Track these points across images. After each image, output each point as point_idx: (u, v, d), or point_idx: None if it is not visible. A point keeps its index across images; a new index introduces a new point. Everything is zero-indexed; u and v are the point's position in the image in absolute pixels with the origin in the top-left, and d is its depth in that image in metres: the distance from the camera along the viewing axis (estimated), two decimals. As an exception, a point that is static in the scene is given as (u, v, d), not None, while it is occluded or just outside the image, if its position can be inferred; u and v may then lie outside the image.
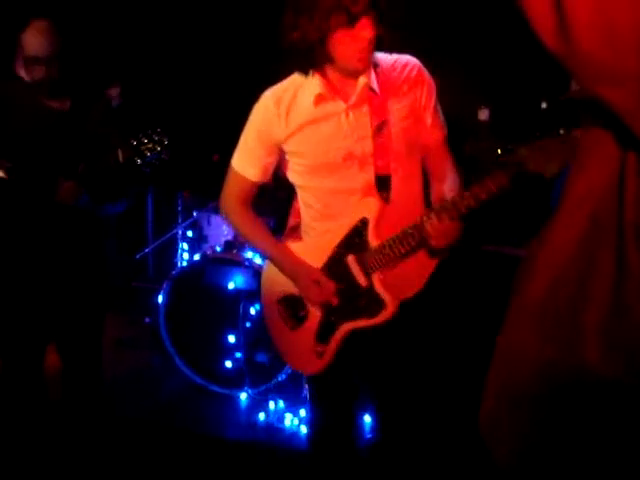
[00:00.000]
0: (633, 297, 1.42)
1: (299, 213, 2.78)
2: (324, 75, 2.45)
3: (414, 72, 2.52)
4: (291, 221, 2.89)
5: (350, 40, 2.29)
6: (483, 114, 4.89)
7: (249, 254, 4.48)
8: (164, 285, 4.61)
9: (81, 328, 3.41)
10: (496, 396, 1.68)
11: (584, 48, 1.30)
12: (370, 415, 4.06)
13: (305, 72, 2.46)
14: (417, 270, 2.66)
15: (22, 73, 4.51)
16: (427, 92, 2.54)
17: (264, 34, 5.59)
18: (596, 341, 1.46)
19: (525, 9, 1.34)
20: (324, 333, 2.66)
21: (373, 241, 2.53)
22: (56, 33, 3.17)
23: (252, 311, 4.39)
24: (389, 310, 2.54)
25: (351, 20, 2.24)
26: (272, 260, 2.75)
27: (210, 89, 6.00)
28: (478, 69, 5.10)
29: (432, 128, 2.59)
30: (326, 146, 2.48)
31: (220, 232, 4.99)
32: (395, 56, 2.53)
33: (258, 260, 4.41)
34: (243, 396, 4.47)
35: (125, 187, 3.38)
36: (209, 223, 5.09)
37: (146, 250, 5.91)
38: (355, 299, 2.60)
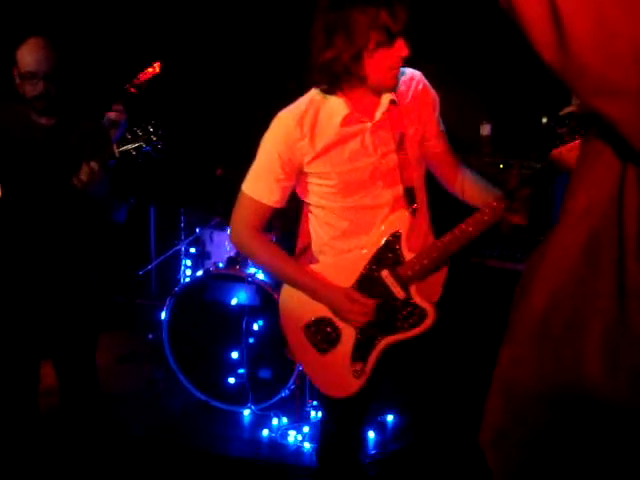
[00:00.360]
0: (635, 313, 1.41)
1: (308, 234, 2.72)
2: (347, 94, 2.45)
3: (420, 85, 2.58)
4: (300, 243, 2.81)
5: (386, 59, 2.32)
6: (485, 129, 4.90)
7: (252, 270, 4.48)
8: (167, 301, 4.60)
9: (75, 343, 3.41)
10: (497, 411, 1.68)
11: (582, 61, 1.30)
12: (374, 431, 4.06)
13: (332, 91, 2.45)
14: (437, 276, 2.70)
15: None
16: (432, 103, 2.62)
17: (267, 50, 5.65)
18: (598, 358, 1.46)
19: (523, 23, 1.34)
20: (361, 351, 2.61)
21: (407, 254, 2.54)
22: (52, 49, 3.18)
23: (255, 327, 4.38)
24: (431, 318, 2.56)
25: (390, 39, 2.28)
26: (299, 285, 2.63)
27: (213, 104, 6.01)
28: (480, 84, 5.11)
29: (439, 137, 2.67)
30: (352, 165, 2.48)
31: (223, 248, 4.99)
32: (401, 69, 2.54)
33: (261, 276, 4.41)
34: (246, 412, 4.46)
35: (127, 185, 3.38)
36: (212, 239, 5.09)
37: (149, 267, 5.90)
38: (393, 313, 2.58)
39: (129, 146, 3.13)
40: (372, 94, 2.46)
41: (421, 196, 2.62)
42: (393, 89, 2.46)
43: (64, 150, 3.22)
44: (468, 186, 2.70)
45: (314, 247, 2.70)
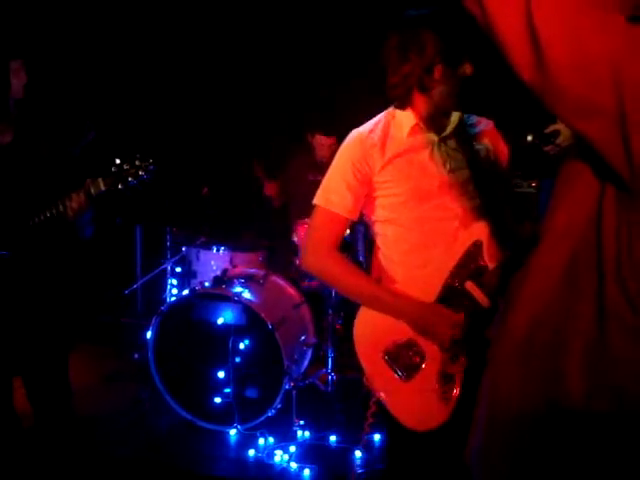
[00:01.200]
0: (614, 334, 1.42)
1: (380, 266, 2.64)
2: (417, 108, 2.51)
3: (495, 132, 2.71)
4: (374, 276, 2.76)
5: (451, 78, 2.43)
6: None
7: (238, 289, 4.48)
8: (153, 321, 4.59)
9: (45, 362, 3.38)
10: (481, 429, 1.68)
11: (561, 83, 1.32)
12: (361, 450, 4.05)
13: (403, 106, 2.52)
14: None
15: None
16: (505, 151, 2.73)
17: (254, 74, 5.67)
18: (578, 378, 1.46)
19: (502, 44, 1.36)
20: (449, 372, 2.48)
21: (490, 263, 2.50)
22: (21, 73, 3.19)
23: (241, 346, 4.37)
24: None
25: (456, 60, 2.41)
26: (380, 303, 2.52)
27: (198, 124, 6.03)
28: (467, 101, 5.13)
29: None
30: (420, 174, 2.49)
31: (209, 267, 4.98)
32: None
33: (247, 295, 4.41)
34: (232, 432, 4.44)
35: (113, 212, 3.38)
36: (198, 258, 5.08)
37: (135, 286, 5.89)
38: (480, 324, 2.47)
39: (115, 180, 3.13)
40: (439, 111, 2.52)
41: (497, 209, 2.60)
42: (454, 108, 2.54)
43: (23, 168, 3.21)
44: None
45: (388, 271, 2.59)
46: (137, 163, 3.13)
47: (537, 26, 1.31)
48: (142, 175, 3.14)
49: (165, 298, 5.26)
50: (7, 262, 3.23)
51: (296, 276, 5.08)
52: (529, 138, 4.80)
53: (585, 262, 1.45)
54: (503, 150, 2.70)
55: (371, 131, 2.55)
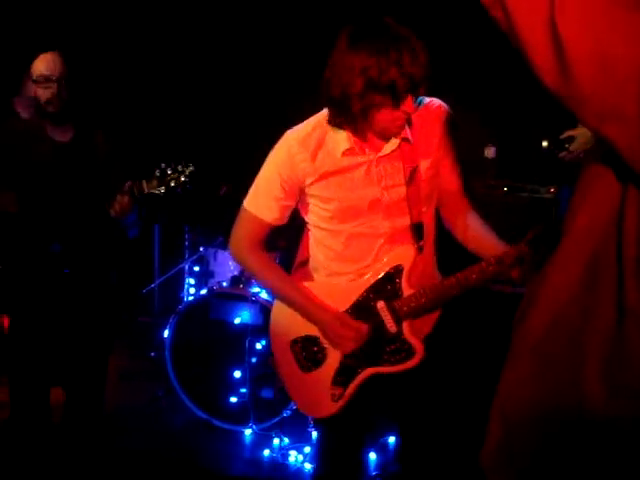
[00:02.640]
0: (633, 335, 1.42)
1: (307, 250, 2.73)
2: (354, 131, 2.42)
3: (443, 117, 2.54)
4: (299, 257, 2.80)
5: (392, 115, 2.31)
6: (489, 151, 4.91)
7: (255, 289, 4.49)
8: (170, 320, 4.61)
9: (87, 360, 3.42)
10: (496, 432, 1.68)
11: (583, 86, 1.31)
12: (375, 452, 4.05)
13: (339, 125, 2.42)
14: (430, 313, 2.68)
15: (22, 111, 4.59)
16: (453, 138, 2.57)
17: (273, 69, 5.68)
18: (597, 379, 1.46)
19: (524, 48, 1.36)
20: (343, 376, 2.59)
21: (406, 289, 2.52)
22: (63, 59, 3.24)
23: (258, 346, 4.38)
24: (417, 357, 2.53)
25: (396, 102, 2.26)
26: (291, 303, 2.65)
27: (217, 123, 6.04)
28: (484, 107, 5.13)
29: (453, 172, 2.62)
30: (352, 193, 2.47)
31: (227, 267, 4.99)
32: (426, 99, 2.52)
33: (264, 295, 4.41)
34: (248, 432, 4.45)
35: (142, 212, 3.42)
36: (215, 258, 5.09)
37: (152, 285, 5.91)
38: (381, 345, 2.56)
39: (157, 184, 3.15)
40: (382, 138, 2.46)
41: (429, 234, 2.60)
42: (397, 134, 2.43)
43: (82, 166, 3.26)
44: (475, 233, 2.65)
45: (311, 264, 2.71)
46: (179, 168, 3.17)
47: (560, 29, 1.31)
48: (183, 180, 3.17)
49: (182, 297, 5.28)
50: (58, 258, 3.27)
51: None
52: (544, 144, 4.79)
53: (605, 262, 1.44)
54: (451, 151, 2.58)
55: (303, 140, 2.48)
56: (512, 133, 5.04)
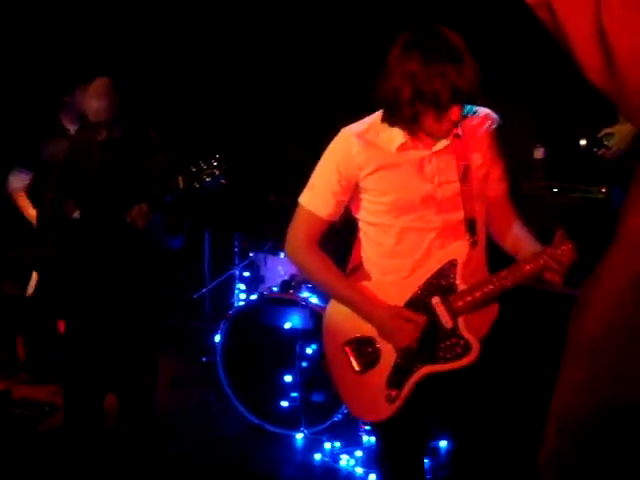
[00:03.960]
0: None
1: (358, 255, 2.74)
2: (406, 129, 2.46)
3: (494, 126, 2.58)
4: (352, 263, 2.80)
5: (438, 122, 2.37)
6: (538, 153, 4.87)
7: (305, 294, 4.50)
8: (221, 324, 4.65)
9: (139, 364, 3.46)
10: (552, 433, 1.67)
11: (629, 85, 1.31)
12: (427, 457, 4.03)
13: (390, 125, 2.47)
14: (487, 313, 2.67)
15: (69, 125, 4.69)
16: (500, 145, 2.61)
17: (324, 79, 5.70)
18: None
19: (573, 50, 1.35)
20: (398, 377, 2.58)
21: (461, 284, 2.53)
22: (113, 93, 3.25)
23: (308, 351, 4.39)
24: (474, 353, 2.51)
25: (441, 112, 2.32)
26: (348, 301, 2.64)
27: (267, 130, 6.08)
28: (534, 108, 5.10)
29: (499, 181, 2.66)
30: (404, 187, 2.51)
31: (277, 272, 5.02)
32: (474, 107, 2.57)
33: (314, 300, 4.42)
34: (299, 436, 4.46)
35: (186, 216, 3.44)
36: (265, 264, 5.13)
37: (203, 290, 5.96)
38: (436, 341, 2.54)
39: (193, 179, 3.17)
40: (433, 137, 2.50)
41: (481, 230, 2.62)
42: (446, 137, 2.47)
43: (134, 177, 3.30)
44: (518, 241, 2.66)
45: (364, 265, 2.71)
46: (214, 163, 3.18)
47: (606, 28, 1.30)
48: (218, 175, 3.19)
49: (233, 302, 5.31)
50: (110, 264, 3.33)
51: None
52: (582, 143, 4.74)
53: None
54: (500, 159, 2.63)
55: (360, 135, 2.54)
56: (561, 133, 4.99)
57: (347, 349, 2.67)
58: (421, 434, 2.80)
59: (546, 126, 5.09)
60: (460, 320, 2.53)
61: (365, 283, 2.66)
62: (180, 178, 3.17)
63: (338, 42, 5.66)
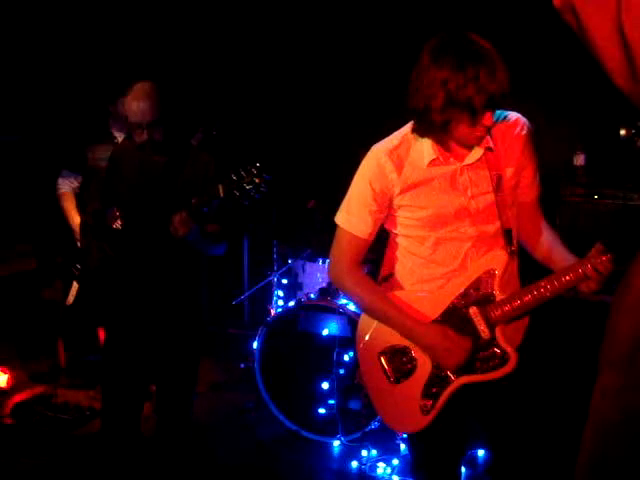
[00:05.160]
0: None
1: (392, 262, 2.72)
2: (438, 139, 2.46)
3: (524, 131, 2.54)
4: (384, 271, 2.79)
5: (471, 129, 2.35)
6: (579, 159, 4.84)
7: (343, 301, 4.50)
8: (259, 331, 4.67)
9: (178, 371, 3.48)
10: (589, 441, 1.65)
11: None
12: (465, 466, 4.00)
13: (423, 135, 2.46)
14: (520, 322, 2.64)
15: (117, 133, 4.75)
16: (531, 151, 2.57)
17: (363, 86, 5.71)
18: None
19: (596, 53, 1.34)
20: (433, 387, 2.56)
21: (499, 294, 2.51)
22: (156, 96, 3.27)
23: (346, 358, 4.39)
24: (511, 364, 2.49)
25: (475, 117, 2.30)
26: (392, 322, 2.59)
27: (307, 137, 6.10)
28: (574, 114, 5.06)
29: (532, 186, 2.62)
30: (438, 202, 2.50)
31: (315, 279, 5.03)
32: (504, 112, 2.54)
33: (352, 307, 4.42)
34: (336, 443, 4.46)
35: (228, 225, 3.45)
36: (304, 270, 5.14)
37: (242, 297, 5.99)
38: (474, 352, 2.52)
39: (233, 187, 3.18)
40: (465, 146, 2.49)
41: (516, 239, 2.60)
42: (478, 144, 2.45)
43: (176, 186, 3.32)
44: (545, 246, 2.64)
45: (398, 275, 2.69)
46: (254, 171, 3.19)
47: (627, 32, 1.29)
48: (258, 183, 3.19)
49: (271, 309, 5.33)
50: (145, 268, 3.36)
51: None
52: (622, 132, 4.68)
53: None
54: (530, 164, 2.58)
55: (391, 152, 2.51)
56: (601, 140, 4.94)
57: (382, 358, 2.65)
58: (456, 444, 2.78)
59: (587, 133, 5.04)
60: (498, 330, 2.51)
61: (399, 292, 2.65)
62: (220, 186, 3.18)
63: (378, 50, 5.67)
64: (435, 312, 2.57)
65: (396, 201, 2.55)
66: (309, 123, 6.10)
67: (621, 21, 1.30)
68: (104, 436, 3.54)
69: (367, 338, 2.73)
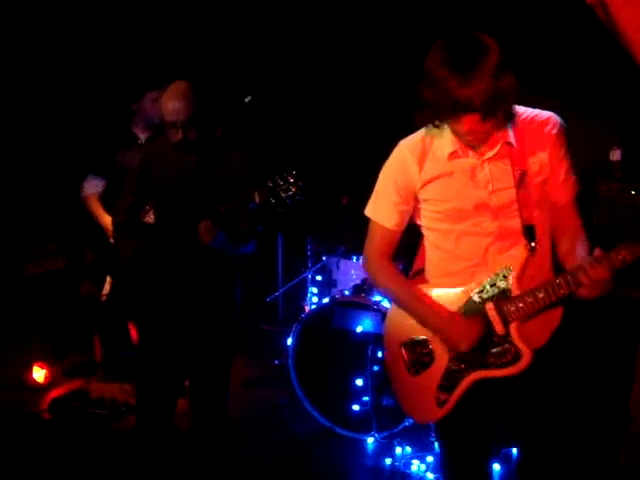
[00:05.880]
0: None
1: (422, 258, 2.77)
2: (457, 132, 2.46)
3: (555, 130, 2.50)
4: (416, 265, 2.86)
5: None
6: (615, 154, 4.80)
7: (377, 298, 4.50)
8: (294, 328, 4.68)
9: (211, 367, 3.50)
10: (628, 448, 1.64)
11: None
12: (499, 463, 3.98)
13: (435, 125, 2.48)
14: (548, 321, 2.61)
15: (140, 134, 4.77)
16: (564, 151, 2.52)
17: (397, 81, 5.70)
18: None
19: (628, 47, 1.33)
20: (449, 380, 2.61)
21: (515, 290, 2.51)
22: (191, 96, 3.28)
23: (380, 354, 4.38)
24: (524, 362, 2.49)
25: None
26: (415, 315, 2.67)
27: (339, 133, 6.10)
28: (611, 110, 5.01)
29: (561, 186, 2.57)
30: (458, 195, 2.53)
31: (349, 276, 5.02)
32: (536, 111, 2.53)
33: (386, 304, 4.41)
34: (370, 440, 4.46)
35: (257, 228, 3.46)
36: (338, 267, 5.13)
37: (276, 294, 6.00)
38: (488, 347, 2.55)
39: (269, 195, 3.20)
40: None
41: (543, 237, 2.56)
42: (478, 145, 2.46)
43: (210, 185, 3.34)
44: (570, 253, 2.55)
45: (428, 269, 2.75)
46: (290, 179, 3.21)
47: None
48: (294, 191, 3.21)
49: (305, 306, 5.34)
50: (177, 264, 3.38)
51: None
52: None
53: None
54: (561, 163, 2.53)
55: (415, 147, 2.59)
56: (638, 135, 4.89)
57: (402, 350, 2.72)
58: (481, 439, 2.79)
59: (623, 128, 5.00)
60: (512, 327, 2.51)
61: (426, 286, 2.69)
62: (256, 193, 3.20)
63: (410, 49, 5.65)
64: (455, 306, 2.61)
65: (420, 194, 2.61)
66: (342, 119, 6.10)
67: None
68: (138, 431, 3.57)
69: (392, 330, 2.82)
